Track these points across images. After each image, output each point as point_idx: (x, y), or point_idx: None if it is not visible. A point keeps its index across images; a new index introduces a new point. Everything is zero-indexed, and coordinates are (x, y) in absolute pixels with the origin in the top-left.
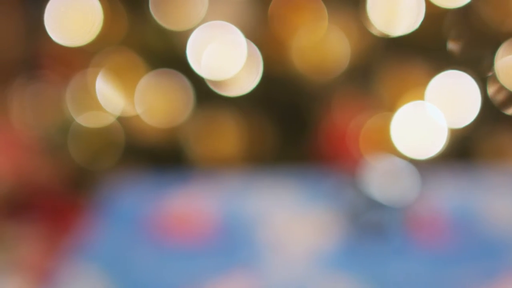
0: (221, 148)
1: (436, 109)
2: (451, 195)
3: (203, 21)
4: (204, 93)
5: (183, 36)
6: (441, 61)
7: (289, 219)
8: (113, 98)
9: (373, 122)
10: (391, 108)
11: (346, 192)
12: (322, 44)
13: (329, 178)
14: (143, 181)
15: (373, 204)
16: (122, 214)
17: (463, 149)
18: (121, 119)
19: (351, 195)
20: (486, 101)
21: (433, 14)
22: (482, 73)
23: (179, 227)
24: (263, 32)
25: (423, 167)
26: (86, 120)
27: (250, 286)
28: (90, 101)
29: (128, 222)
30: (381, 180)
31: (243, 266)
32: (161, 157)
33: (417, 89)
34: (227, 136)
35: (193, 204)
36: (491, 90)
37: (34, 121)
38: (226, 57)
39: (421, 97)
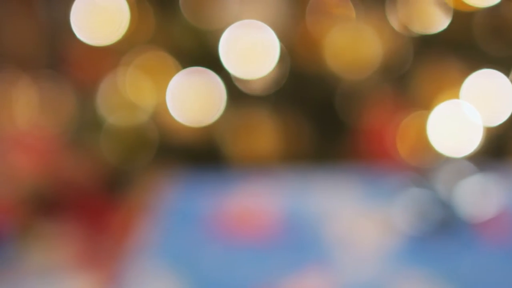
0: (257, 146)
1: (471, 107)
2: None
3: (236, 19)
4: (237, 91)
5: (215, 35)
6: (476, 59)
7: (355, 216)
8: (145, 97)
9: (409, 120)
10: (427, 107)
11: (411, 190)
12: (355, 43)
13: (387, 176)
14: (196, 180)
15: (440, 202)
16: (184, 213)
17: (498, 147)
18: (154, 118)
19: (416, 193)
20: None
21: (467, 13)
22: None
23: (244, 225)
24: (297, 31)
25: (483, 164)
26: (118, 119)
27: (324, 283)
28: (122, 100)
29: (191, 220)
30: (447, 178)
31: (315, 263)
32: (195, 155)
33: (452, 88)
34: (263, 134)
35: (254, 202)
36: None
37: (64, 121)
38: (258, 56)
39: (456, 95)
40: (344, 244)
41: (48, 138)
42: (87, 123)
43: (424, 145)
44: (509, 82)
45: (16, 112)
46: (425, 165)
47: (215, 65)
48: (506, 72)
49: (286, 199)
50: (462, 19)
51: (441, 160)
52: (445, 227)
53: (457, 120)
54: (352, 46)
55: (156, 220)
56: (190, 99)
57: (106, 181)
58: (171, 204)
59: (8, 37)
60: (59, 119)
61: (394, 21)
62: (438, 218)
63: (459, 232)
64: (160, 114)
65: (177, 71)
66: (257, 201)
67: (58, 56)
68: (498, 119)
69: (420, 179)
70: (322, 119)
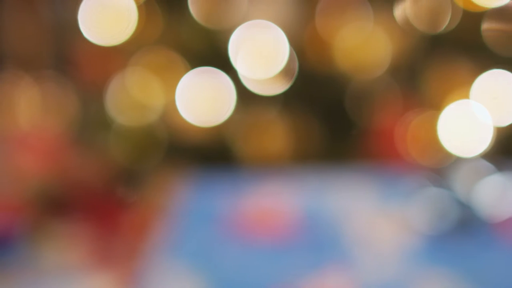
0: (267, 146)
1: (482, 107)
2: None
3: (245, 20)
4: (247, 91)
5: (224, 35)
6: (486, 60)
7: (373, 216)
8: (154, 97)
9: (420, 120)
10: (437, 107)
11: (429, 189)
12: (365, 43)
13: (402, 176)
14: (210, 180)
15: (458, 202)
16: (201, 213)
17: (509, 147)
18: (163, 118)
19: (434, 192)
20: None
21: (477, 14)
22: None
23: (262, 225)
24: (307, 31)
25: (501, 164)
26: (128, 119)
27: (343, 282)
28: (131, 100)
29: (208, 220)
30: (465, 177)
31: (334, 263)
32: (204, 155)
33: (462, 88)
34: (272, 134)
35: (271, 201)
36: None
37: (71, 121)
38: (267, 56)
39: (466, 96)
40: (363, 244)
41: (56, 138)
42: (96, 123)
43: (434, 145)
44: None
45: (22, 113)
46: (435, 165)
47: (225, 65)
48: None
49: (303, 198)
50: (472, 19)
51: (451, 160)
52: (463, 227)
53: (467, 120)
54: (362, 46)
55: (173, 220)
56: (200, 99)
57: (116, 181)
58: (188, 204)
59: (13, 37)
60: (67, 120)
61: (404, 21)
62: (456, 218)
63: (477, 231)
64: (169, 114)
65: (186, 71)
66: (274, 201)
67: (64, 57)
68: (508, 119)
69: (438, 179)
70: (332, 119)
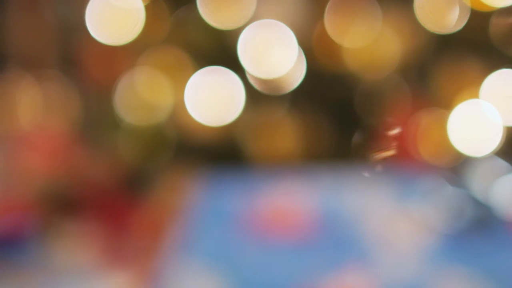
0: (276, 145)
1: (491, 107)
2: None
3: (254, 19)
4: (256, 90)
5: (233, 34)
6: (495, 59)
7: (390, 215)
8: (163, 96)
9: (429, 120)
10: (447, 107)
11: (446, 188)
12: (374, 42)
13: (417, 175)
14: (223, 179)
15: (475, 200)
16: (217, 212)
17: None
18: (172, 117)
19: (451, 191)
20: None
21: (487, 13)
22: None
23: (279, 224)
24: (316, 30)
25: None
26: (136, 118)
27: (363, 281)
28: (140, 99)
29: (225, 219)
30: (482, 176)
31: (354, 262)
32: (213, 154)
33: (472, 88)
34: (281, 133)
35: (288, 200)
36: None
37: (79, 120)
38: (276, 55)
39: (476, 95)
40: (381, 243)
41: (64, 137)
42: (105, 123)
43: (444, 145)
44: None
45: (29, 113)
46: (445, 164)
47: (233, 64)
48: None
49: (319, 197)
50: (481, 18)
51: (461, 159)
52: (480, 225)
53: (477, 119)
54: (371, 46)
55: (188, 219)
56: (209, 98)
57: (126, 180)
58: (201, 203)
59: (18, 37)
60: (75, 119)
61: (413, 21)
62: (473, 217)
63: (494, 230)
64: (178, 113)
65: (195, 70)
66: (290, 200)
67: (71, 56)
68: None
69: (454, 178)
70: (341, 119)
